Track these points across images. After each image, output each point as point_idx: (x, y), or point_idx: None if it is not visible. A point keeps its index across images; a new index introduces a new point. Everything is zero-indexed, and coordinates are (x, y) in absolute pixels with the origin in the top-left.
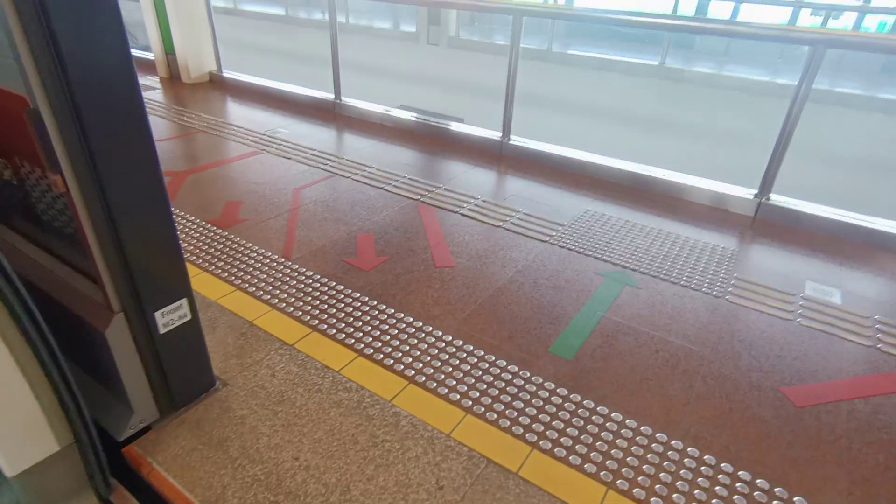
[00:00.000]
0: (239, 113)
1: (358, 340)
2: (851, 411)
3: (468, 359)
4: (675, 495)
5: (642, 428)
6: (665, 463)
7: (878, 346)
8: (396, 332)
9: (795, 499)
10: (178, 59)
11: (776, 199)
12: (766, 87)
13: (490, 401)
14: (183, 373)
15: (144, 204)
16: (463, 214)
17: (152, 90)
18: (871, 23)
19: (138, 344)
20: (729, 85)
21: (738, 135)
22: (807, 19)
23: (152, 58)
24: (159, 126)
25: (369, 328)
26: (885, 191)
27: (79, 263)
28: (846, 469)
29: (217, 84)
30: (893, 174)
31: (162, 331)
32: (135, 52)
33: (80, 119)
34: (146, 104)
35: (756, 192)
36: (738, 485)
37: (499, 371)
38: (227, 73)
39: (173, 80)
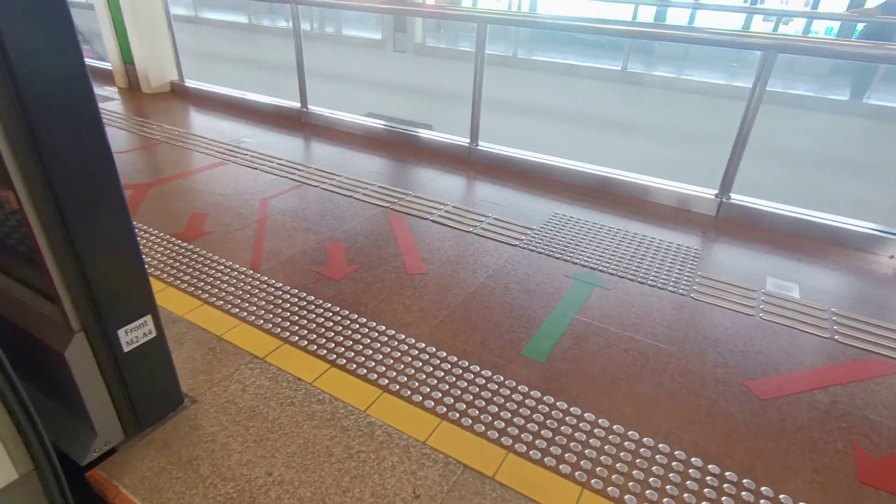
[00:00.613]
0: (202, 123)
1: (330, 351)
2: (812, 402)
3: (442, 365)
4: (647, 492)
5: (614, 427)
6: (638, 460)
7: (836, 337)
8: (369, 341)
9: (762, 489)
10: (137, 68)
11: (736, 198)
12: (723, 89)
13: (464, 406)
14: (149, 392)
15: (104, 218)
16: (433, 221)
17: (111, 101)
18: (820, 27)
19: (101, 364)
20: (688, 88)
21: (698, 135)
22: (760, 24)
23: (110, 68)
24: (119, 138)
25: (341, 338)
26: (829, 183)
27: (35, 282)
28: (809, 458)
29: (179, 94)
30: (839, 169)
31: (126, 349)
32: (92, 63)
33: (33, 133)
34: (104, 115)
35: (717, 192)
36: (707, 478)
37: (472, 376)
38: (190, 83)
39: (132, 90)
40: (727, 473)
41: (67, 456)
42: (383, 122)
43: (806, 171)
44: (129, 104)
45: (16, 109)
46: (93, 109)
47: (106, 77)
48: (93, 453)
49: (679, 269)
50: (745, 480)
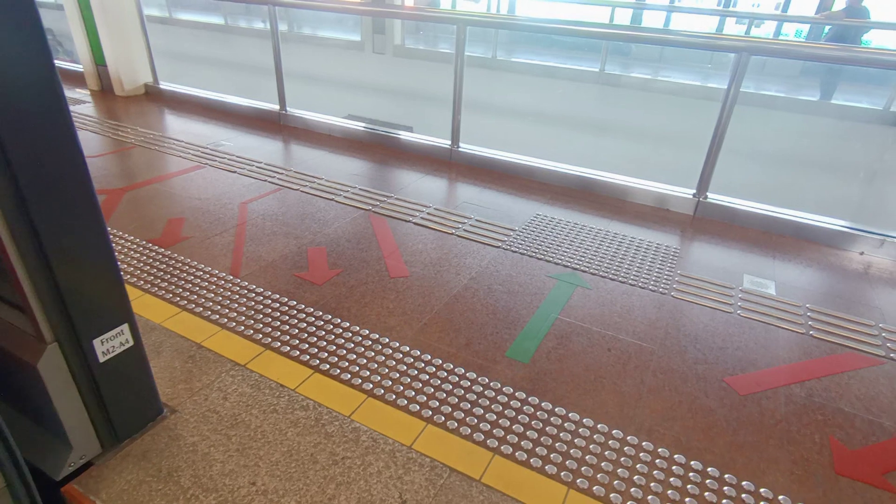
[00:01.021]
0: (178, 126)
1: (313, 357)
2: (789, 396)
3: (426, 368)
4: (632, 489)
5: (598, 426)
6: (622, 459)
7: (811, 332)
8: (353, 345)
9: (744, 483)
10: (109, 70)
11: (713, 197)
12: (698, 90)
13: (450, 409)
14: (126, 403)
15: (76, 224)
16: (415, 223)
17: (82, 104)
18: (790, 29)
19: (75, 375)
20: (664, 89)
21: (675, 136)
22: (733, 27)
23: (81, 70)
24: (91, 141)
25: (325, 343)
26: (800, 182)
27: (4, 292)
28: (787, 451)
29: (153, 96)
30: (810, 168)
31: (101, 359)
32: (62, 65)
33: (0, 137)
34: (76, 119)
35: (694, 191)
36: (691, 474)
37: (457, 379)
38: (164, 85)
39: (105, 92)
40: (709, 469)
41: (42, 471)
42: (364, 125)
43: (778, 169)
44: (101, 107)
45: None
46: (63, 112)
47: (77, 79)
48: (68, 468)
49: (659, 268)
50: (726, 475)
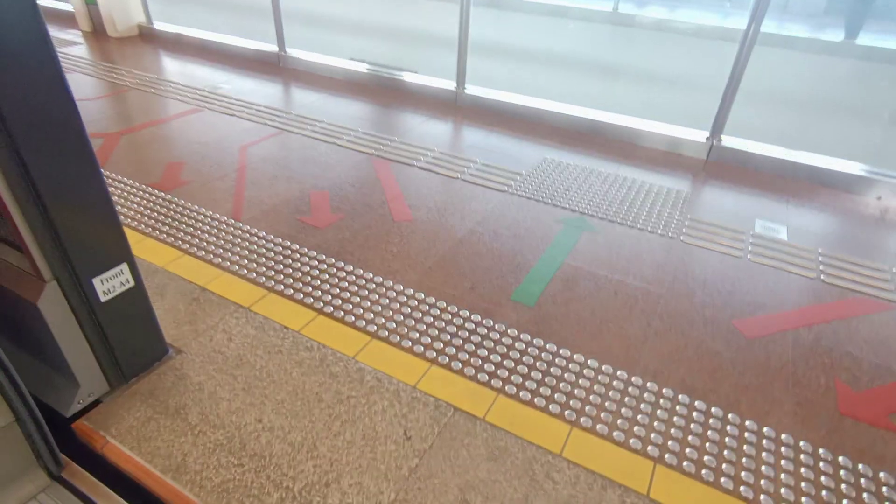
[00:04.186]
0: (174, 68)
1: (317, 299)
2: (797, 339)
3: (431, 311)
4: (636, 427)
5: (603, 367)
6: (626, 399)
7: (822, 277)
8: (356, 288)
9: (747, 422)
10: (101, 10)
11: (727, 140)
12: (716, 31)
13: (454, 351)
14: (131, 342)
15: (68, 163)
16: (420, 167)
17: (74, 45)
18: None
19: (77, 314)
20: (680, 29)
21: (690, 78)
22: None
23: (71, 10)
24: (85, 84)
25: (328, 286)
26: (820, 125)
27: (2, 232)
28: (791, 392)
29: (147, 38)
30: (832, 110)
31: (103, 299)
32: (49, 4)
33: None
34: (67, 60)
35: (708, 134)
36: (694, 414)
37: (462, 321)
38: (159, 25)
39: (97, 34)
40: (713, 409)
41: (56, 412)
42: (366, 66)
43: (797, 113)
44: (94, 49)
45: None
46: (48, 51)
47: (68, 20)
48: (77, 404)
49: (669, 212)
50: (730, 415)
